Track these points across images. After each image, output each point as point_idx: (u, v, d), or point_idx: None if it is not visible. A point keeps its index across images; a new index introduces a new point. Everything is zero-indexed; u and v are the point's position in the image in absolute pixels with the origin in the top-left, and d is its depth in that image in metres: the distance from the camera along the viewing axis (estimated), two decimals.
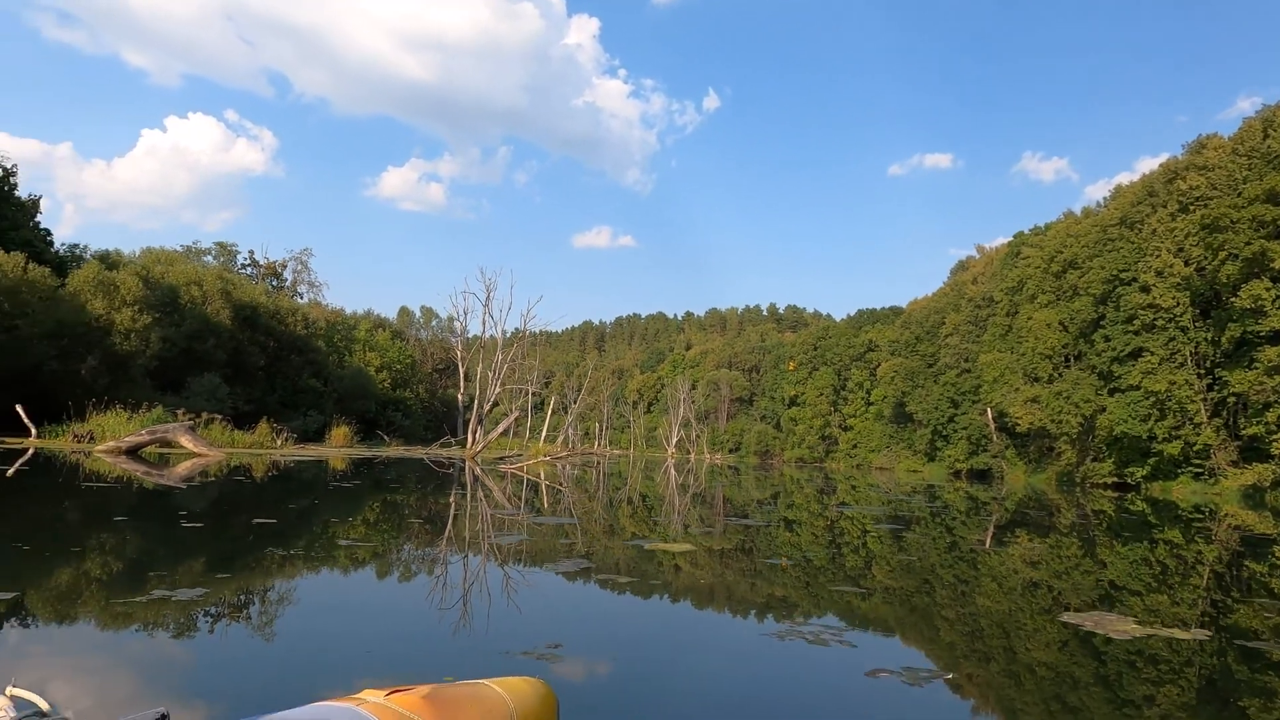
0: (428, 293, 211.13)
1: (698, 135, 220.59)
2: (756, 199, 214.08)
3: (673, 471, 28.05)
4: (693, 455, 75.57)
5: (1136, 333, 37.35)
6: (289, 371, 38.42)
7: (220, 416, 22.18)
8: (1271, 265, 30.36)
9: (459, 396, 38.09)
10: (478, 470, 18.06)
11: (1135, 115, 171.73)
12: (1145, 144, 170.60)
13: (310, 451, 22.12)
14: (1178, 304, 35.84)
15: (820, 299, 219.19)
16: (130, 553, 4.81)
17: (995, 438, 50.13)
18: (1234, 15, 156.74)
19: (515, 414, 29.23)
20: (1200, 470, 34.95)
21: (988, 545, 8.04)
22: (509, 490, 12.28)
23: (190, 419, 18.71)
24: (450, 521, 7.52)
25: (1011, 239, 59.67)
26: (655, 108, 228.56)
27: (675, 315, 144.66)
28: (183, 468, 12.83)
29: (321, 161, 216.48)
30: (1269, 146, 33.45)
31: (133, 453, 15.77)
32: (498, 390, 27.53)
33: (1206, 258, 34.36)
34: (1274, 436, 30.56)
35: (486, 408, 27.35)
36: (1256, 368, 31.37)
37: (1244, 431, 33.26)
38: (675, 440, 75.19)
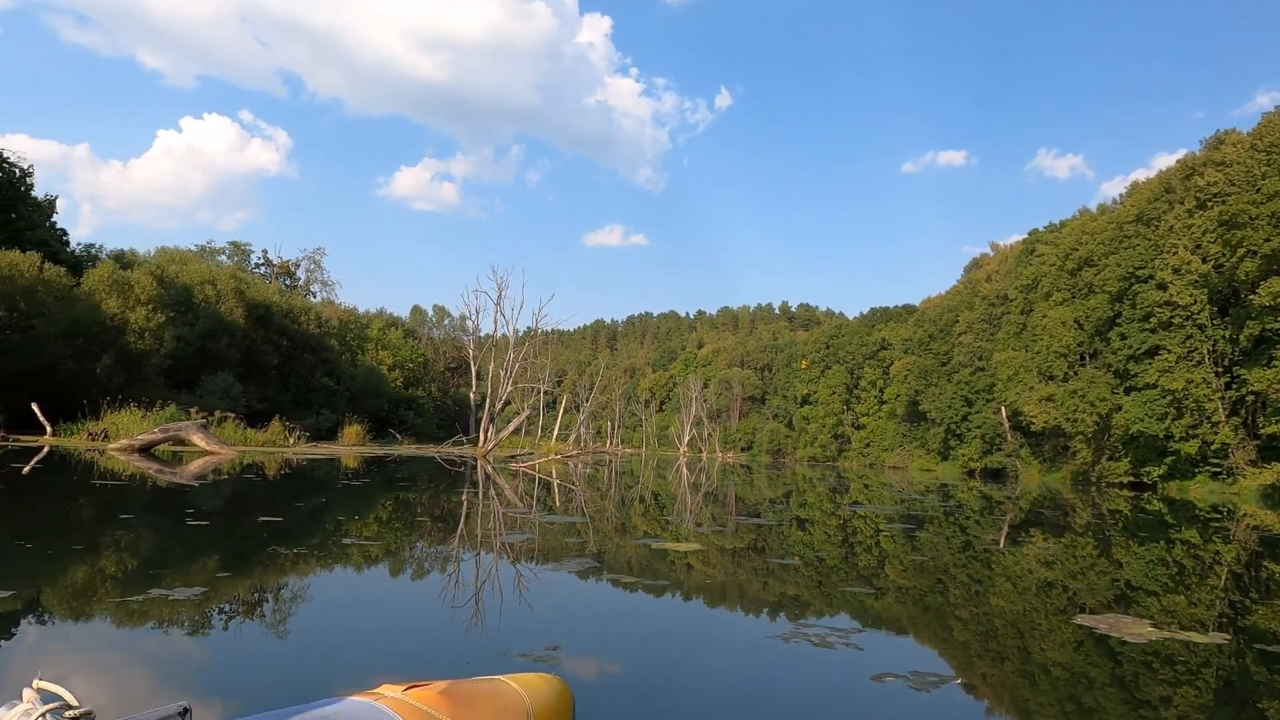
0: (440, 292, 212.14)
1: (710, 133, 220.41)
2: (769, 197, 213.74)
3: (685, 470, 28.02)
4: (705, 454, 75.49)
5: (1153, 330, 36.97)
6: (302, 370, 38.63)
7: (233, 415, 22.32)
8: None
9: (471, 395, 38.22)
10: (489, 469, 18.10)
11: (1151, 112, 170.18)
12: (1162, 141, 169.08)
13: (322, 450, 22.24)
14: (1195, 301, 35.44)
15: (833, 297, 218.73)
16: (131, 551, 4.81)
17: (1009, 437, 49.78)
18: (1252, 10, 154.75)
19: (526, 412, 29.27)
20: (1218, 470, 34.56)
21: (1002, 545, 7.98)
22: (520, 489, 12.30)
23: (203, 417, 18.85)
24: (458, 520, 7.53)
25: (1026, 236, 59.22)
26: (667, 106, 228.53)
27: (687, 314, 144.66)
28: (195, 466, 12.92)
29: (335, 161, 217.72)
30: None
31: (145, 451, 15.90)
32: (509, 389, 27.57)
33: (1225, 254, 33.96)
34: None
35: (498, 406, 27.40)
36: (1276, 366, 31.00)
37: (1263, 430, 32.87)
38: (687, 439, 75.12)
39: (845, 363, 79.35)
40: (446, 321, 77.60)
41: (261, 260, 55.95)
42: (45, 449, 15.12)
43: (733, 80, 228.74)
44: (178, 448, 17.15)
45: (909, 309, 79.27)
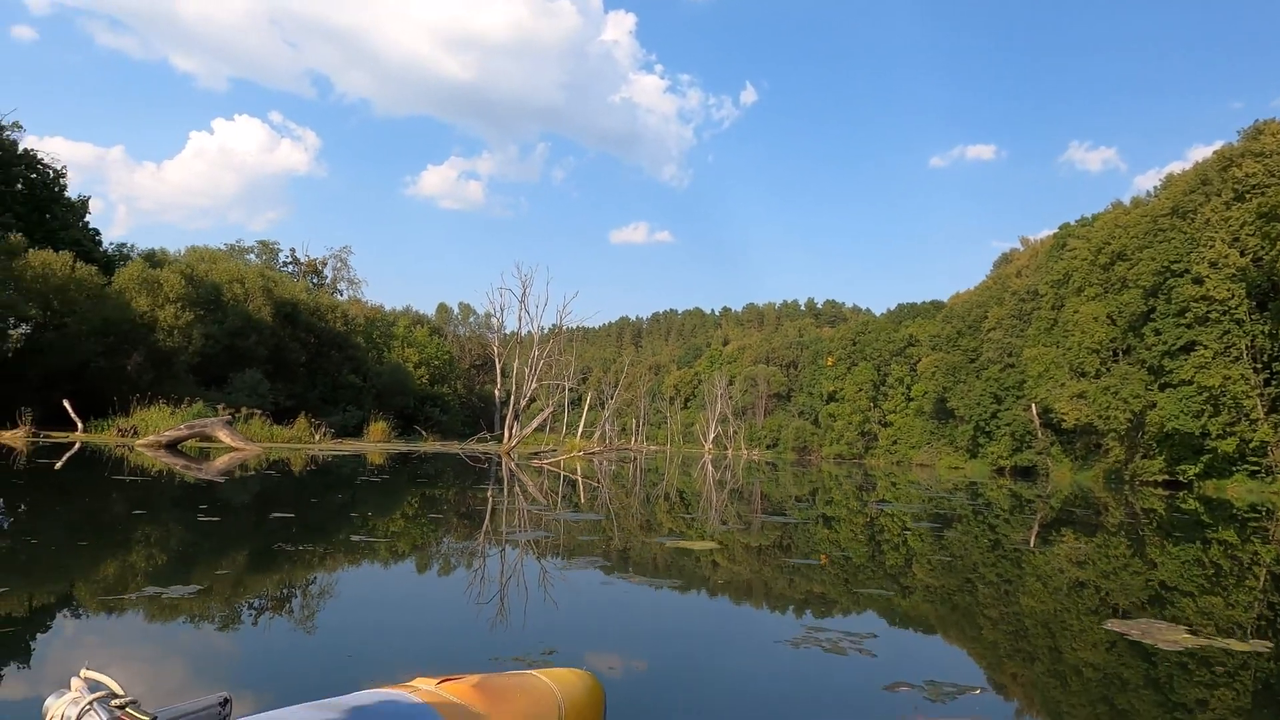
0: (466, 289, 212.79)
1: (735, 130, 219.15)
2: (794, 193, 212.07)
3: (710, 467, 27.96)
4: (730, 451, 75.27)
5: (1189, 326, 36.20)
6: (329, 367, 39.07)
7: (260, 412, 22.59)
8: None
9: (496, 392, 38.41)
10: (513, 465, 18.17)
11: (1188, 103, 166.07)
12: (1198, 132, 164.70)
13: (347, 446, 22.48)
14: (1233, 296, 34.64)
15: (859, 293, 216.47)
16: (134, 548, 4.79)
17: (1040, 434, 49.04)
18: None
19: (550, 409, 29.37)
20: (1257, 468, 33.78)
21: (1032, 544, 7.84)
22: (545, 486, 12.33)
23: (229, 414, 19.11)
24: (479, 517, 7.55)
25: (1057, 230, 58.25)
26: (692, 103, 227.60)
27: (712, 310, 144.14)
28: (220, 462, 13.09)
29: (363, 161, 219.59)
30: None
31: (172, 447, 16.16)
32: (534, 386, 27.66)
33: (1264, 247, 33.14)
34: None
35: (523, 403, 27.50)
36: None
37: None
38: (712, 436, 74.90)
39: (872, 359, 78.66)
40: (472, 319, 78.18)
41: (289, 259, 56.72)
42: (76, 445, 15.43)
43: (758, 76, 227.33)
44: (204, 444, 17.41)
45: (937, 305, 78.38)
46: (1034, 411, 48.65)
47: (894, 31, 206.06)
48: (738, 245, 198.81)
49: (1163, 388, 37.09)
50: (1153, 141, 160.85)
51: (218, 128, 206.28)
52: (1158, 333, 37.99)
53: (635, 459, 32.12)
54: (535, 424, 28.22)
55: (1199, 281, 35.75)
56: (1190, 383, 35.14)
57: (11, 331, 23.99)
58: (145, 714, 0.87)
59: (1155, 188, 50.81)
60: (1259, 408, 33.81)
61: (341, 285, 58.51)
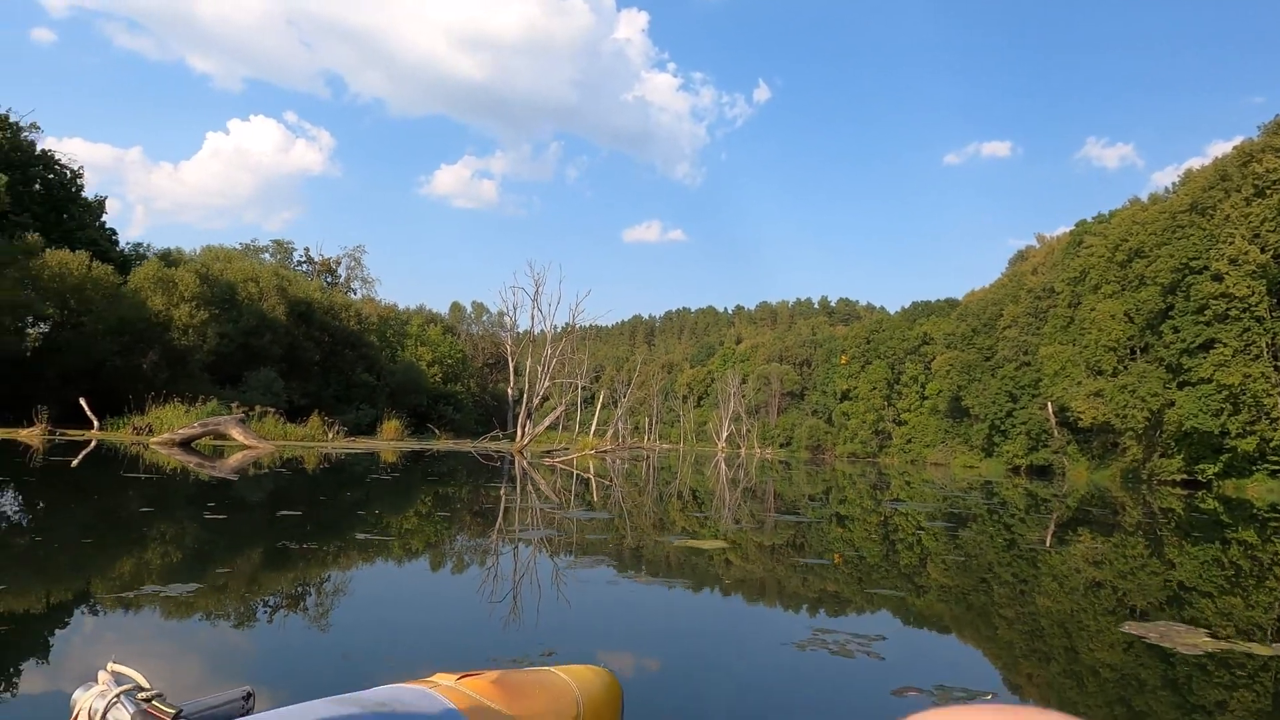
0: (479, 288, 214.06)
1: (748, 128, 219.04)
2: (808, 191, 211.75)
3: (723, 466, 27.92)
4: (743, 450, 75.17)
5: (1208, 323, 35.80)
6: (343, 366, 39.30)
7: (273, 410, 22.74)
8: None
9: (509, 391, 38.50)
10: (525, 464, 18.20)
11: (1207, 98, 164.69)
12: (1218, 128, 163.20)
13: (360, 445, 22.59)
14: (1253, 293, 34.21)
15: (873, 292, 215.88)
16: (135, 546, 4.78)
17: (1056, 433, 48.68)
18: None
19: (561, 408, 29.40)
20: (1278, 467, 33.37)
21: (1048, 544, 7.77)
22: (558, 484, 12.33)
23: (243, 412, 19.25)
24: (486, 516, 7.55)
25: (1074, 227, 57.74)
26: (705, 101, 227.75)
27: (725, 309, 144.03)
28: (233, 460, 13.17)
29: (377, 161, 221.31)
30: None
31: (186, 445, 16.28)
32: (547, 384, 27.69)
33: None
34: None
35: (536, 402, 27.54)
36: None
37: None
38: (725, 435, 74.81)
39: (886, 357, 78.30)
40: (485, 318, 78.44)
41: (303, 258, 57.09)
42: (92, 443, 15.57)
43: (771, 73, 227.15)
44: (218, 442, 17.54)
45: (951, 303, 77.91)
46: (1050, 410, 48.28)
47: (907, 29, 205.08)
48: (751, 243, 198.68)
49: (1181, 386, 36.71)
50: (1171, 137, 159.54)
51: (234, 128, 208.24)
52: (1176, 330, 37.60)
53: (648, 457, 32.10)
54: (548, 422, 28.27)
55: (1218, 278, 35.34)
56: (1209, 381, 34.76)
57: (29, 330, 24.28)
58: (170, 707, 0.88)
59: (1174, 184, 50.24)
60: None
61: (355, 284, 58.92)
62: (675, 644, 3.20)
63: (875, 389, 77.41)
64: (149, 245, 39.17)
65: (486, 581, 4.17)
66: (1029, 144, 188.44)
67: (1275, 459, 33.39)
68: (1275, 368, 33.94)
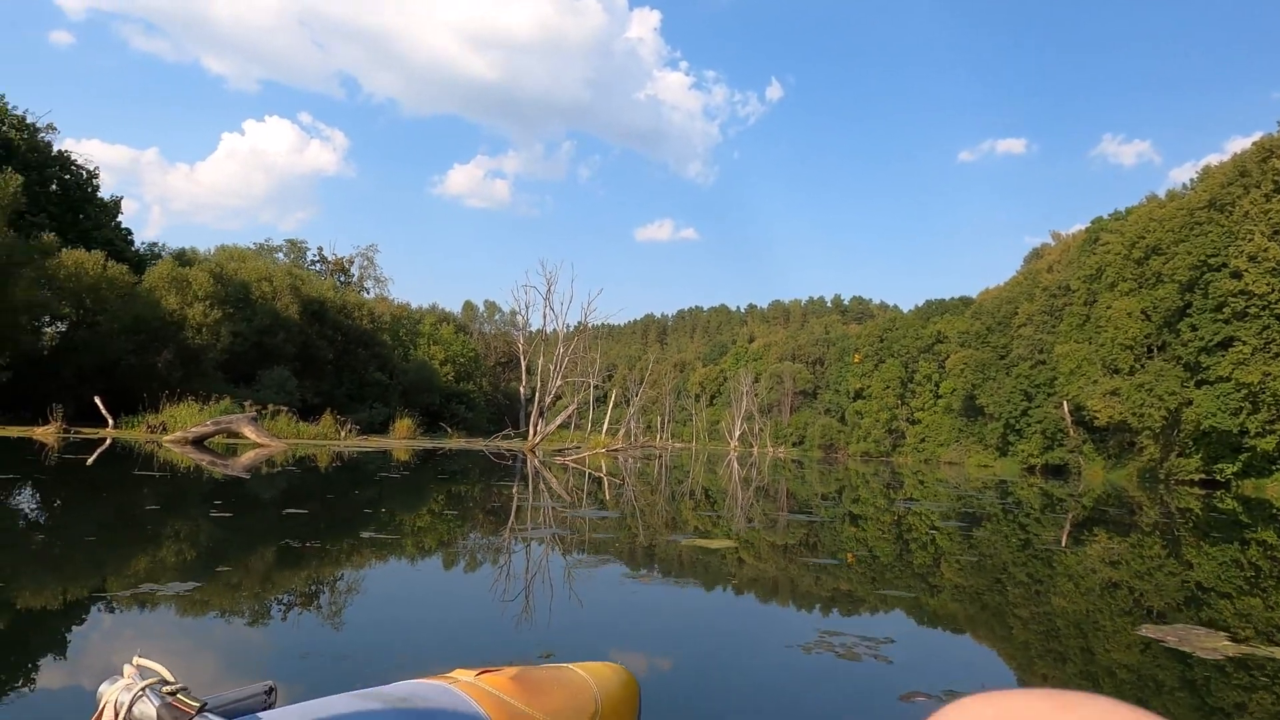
0: (492, 287, 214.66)
1: (760, 126, 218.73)
2: (820, 189, 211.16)
3: (735, 465, 27.86)
4: (755, 449, 74.98)
5: (1227, 321, 35.41)
6: (356, 365, 39.48)
7: (286, 408, 22.87)
8: None
9: (521, 389, 38.63)
10: (537, 462, 18.21)
11: (1225, 94, 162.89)
12: (1237, 124, 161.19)
13: (373, 443, 22.68)
14: (1273, 290, 33.80)
15: (886, 290, 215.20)
16: (136, 545, 4.79)
17: (1072, 432, 48.30)
18: None
19: (573, 407, 29.41)
20: None
21: (1064, 544, 7.69)
22: (570, 483, 12.33)
23: (255, 410, 19.36)
24: (497, 514, 7.54)
25: (1090, 225, 57.24)
26: (717, 99, 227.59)
27: (737, 307, 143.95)
28: (245, 458, 13.24)
29: (391, 161, 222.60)
30: None
31: (199, 443, 16.40)
32: (559, 383, 27.73)
33: None
34: None
35: (548, 400, 27.59)
36: None
37: None
38: (738, 433, 74.68)
39: (899, 356, 77.91)
40: (497, 316, 78.68)
41: (316, 257, 57.39)
42: (107, 441, 15.71)
43: (784, 72, 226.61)
44: (231, 440, 17.65)
45: (966, 301, 77.44)
46: (1066, 409, 47.91)
47: (921, 26, 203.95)
48: (763, 242, 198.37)
49: (1199, 384, 36.34)
50: (1190, 134, 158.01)
51: (249, 129, 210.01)
52: (1194, 328, 37.21)
53: (660, 456, 32.09)
54: (559, 421, 28.29)
55: (1237, 275, 34.95)
56: (1228, 379, 34.38)
57: (46, 330, 24.54)
58: (194, 700, 0.88)
59: (1191, 180, 49.69)
60: None
61: (368, 284, 59.16)
62: (687, 643, 3.17)
63: (889, 388, 77.06)
64: (164, 245, 39.55)
65: (498, 580, 4.17)
66: (1044, 141, 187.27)
67: None
68: None
